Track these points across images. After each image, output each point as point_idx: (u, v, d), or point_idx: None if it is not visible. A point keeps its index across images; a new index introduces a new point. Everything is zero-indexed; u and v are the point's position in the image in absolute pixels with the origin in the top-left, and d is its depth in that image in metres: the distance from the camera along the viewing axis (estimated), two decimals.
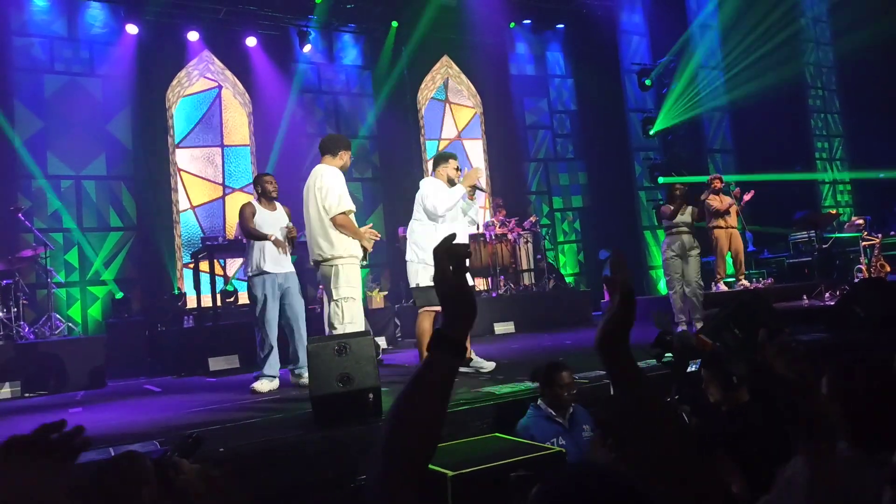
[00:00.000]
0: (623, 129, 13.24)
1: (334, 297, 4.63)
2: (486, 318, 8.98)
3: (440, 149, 12.74)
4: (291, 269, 5.74)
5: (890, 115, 12.97)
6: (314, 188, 4.85)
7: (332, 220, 4.75)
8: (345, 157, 5.00)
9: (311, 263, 4.84)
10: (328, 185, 4.79)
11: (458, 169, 5.49)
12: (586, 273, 13.11)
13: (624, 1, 13.43)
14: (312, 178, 4.93)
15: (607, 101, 13.18)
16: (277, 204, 5.87)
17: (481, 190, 5.49)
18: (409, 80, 12.20)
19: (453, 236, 1.18)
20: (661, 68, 12.68)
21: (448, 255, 1.18)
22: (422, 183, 5.32)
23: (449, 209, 5.13)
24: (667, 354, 2.57)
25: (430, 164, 12.19)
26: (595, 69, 13.31)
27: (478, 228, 9.43)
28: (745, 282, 9.47)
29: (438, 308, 5.01)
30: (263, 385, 5.58)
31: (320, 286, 6.96)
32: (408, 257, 5.36)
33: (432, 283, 4.50)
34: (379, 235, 5.18)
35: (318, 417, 3.83)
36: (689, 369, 3.30)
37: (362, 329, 4.58)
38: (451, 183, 5.39)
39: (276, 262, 5.61)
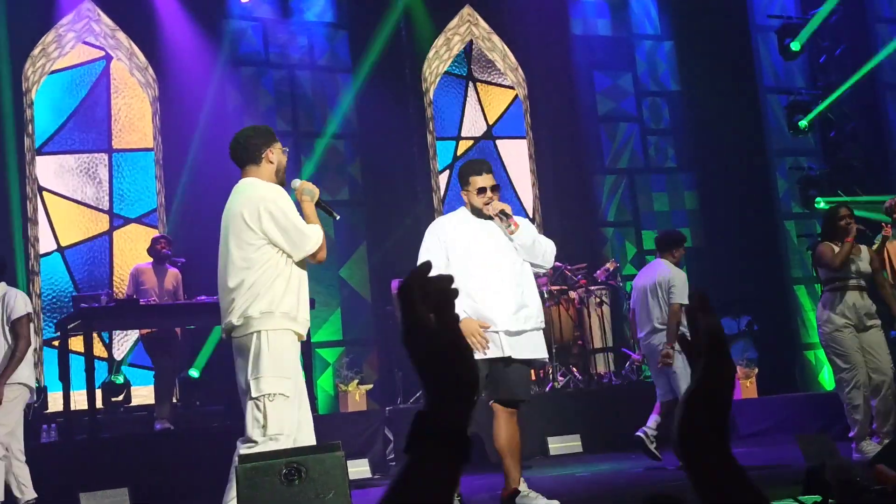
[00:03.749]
0: (756, 122, 11.49)
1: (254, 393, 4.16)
2: (536, 429, 8.07)
3: (459, 153, 11.25)
4: None
5: None
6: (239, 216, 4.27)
7: (311, 257, 4.43)
8: (272, 156, 4.40)
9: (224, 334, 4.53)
10: (276, 211, 4.19)
11: (482, 192, 4.82)
12: None
13: None
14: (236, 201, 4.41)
15: (729, 76, 11.48)
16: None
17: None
18: (408, 44, 10.73)
19: (428, 265, 1.06)
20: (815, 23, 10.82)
21: (424, 294, 1.04)
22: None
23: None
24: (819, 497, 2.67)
25: (441, 179, 11.56)
26: (708, 26, 11.57)
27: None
28: None
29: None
30: None
31: None
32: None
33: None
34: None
35: None
36: None
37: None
38: (477, 214, 4.88)
39: None
